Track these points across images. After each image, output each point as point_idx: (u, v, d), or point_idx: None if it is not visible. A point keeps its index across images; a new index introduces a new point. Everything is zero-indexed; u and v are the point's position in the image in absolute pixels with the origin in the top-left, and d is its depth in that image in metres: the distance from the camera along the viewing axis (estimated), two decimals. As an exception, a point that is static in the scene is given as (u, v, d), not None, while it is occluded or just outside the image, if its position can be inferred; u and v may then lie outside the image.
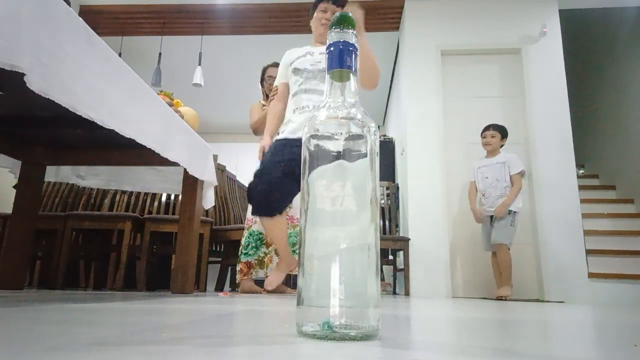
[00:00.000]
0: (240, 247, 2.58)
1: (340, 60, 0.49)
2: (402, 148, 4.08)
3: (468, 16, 3.96)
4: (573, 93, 3.88)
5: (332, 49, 0.50)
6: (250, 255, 2.54)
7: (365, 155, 0.46)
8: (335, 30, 0.50)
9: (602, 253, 3.52)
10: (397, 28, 4.44)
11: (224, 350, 0.37)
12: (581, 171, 4.96)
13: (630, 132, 4.29)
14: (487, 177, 3.21)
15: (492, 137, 3.23)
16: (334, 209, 0.45)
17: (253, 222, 2.57)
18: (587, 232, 3.51)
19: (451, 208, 3.66)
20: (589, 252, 3.44)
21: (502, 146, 3.25)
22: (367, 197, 0.46)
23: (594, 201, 4.20)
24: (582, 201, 3.62)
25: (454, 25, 3.96)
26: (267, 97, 2.85)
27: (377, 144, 0.48)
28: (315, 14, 2.34)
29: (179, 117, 1.78)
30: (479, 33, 3.92)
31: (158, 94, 1.69)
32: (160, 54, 4.49)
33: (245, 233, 2.60)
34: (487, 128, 3.28)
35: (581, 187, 3.74)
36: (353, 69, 0.50)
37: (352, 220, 0.45)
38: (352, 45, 0.50)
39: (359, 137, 0.46)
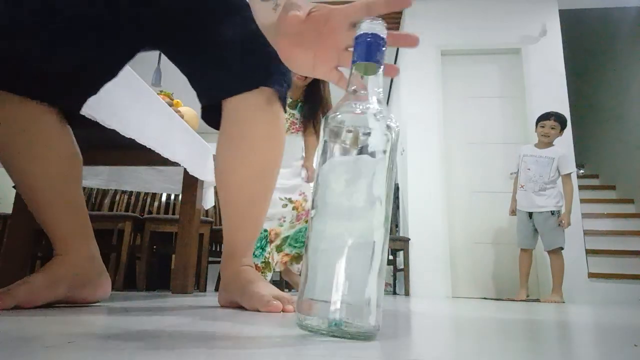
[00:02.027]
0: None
1: (368, 53, 0.49)
2: (402, 148, 4.08)
3: (468, 16, 3.96)
4: (573, 93, 3.88)
5: (359, 40, 0.49)
6: (256, 257, 2.33)
7: (383, 153, 0.46)
8: (366, 20, 0.49)
9: (602, 253, 3.52)
10: (397, 28, 4.44)
11: (224, 350, 0.37)
12: (581, 171, 4.96)
13: (630, 132, 4.29)
14: (529, 169, 3.01)
15: (553, 128, 2.99)
16: (345, 204, 0.44)
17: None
18: (587, 232, 3.51)
19: (451, 208, 3.66)
20: (589, 252, 3.44)
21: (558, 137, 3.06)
22: (381, 195, 0.45)
23: (594, 201, 4.20)
24: (582, 201, 3.62)
25: (454, 25, 3.96)
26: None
27: (398, 142, 0.47)
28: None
29: (179, 117, 1.78)
30: (479, 33, 3.92)
31: (158, 94, 1.70)
32: (160, 54, 4.49)
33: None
34: (547, 117, 3.03)
35: (581, 187, 3.74)
36: (380, 62, 0.49)
37: (362, 217, 0.44)
38: (382, 38, 0.49)
39: (380, 133, 0.46)
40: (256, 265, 2.34)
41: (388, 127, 0.46)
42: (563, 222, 2.89)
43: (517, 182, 3.14)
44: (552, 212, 2.92)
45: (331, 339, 0.42)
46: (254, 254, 2.32)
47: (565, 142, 3.60)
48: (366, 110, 0.46)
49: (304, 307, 0.44)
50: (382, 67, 0.49)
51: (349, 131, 0.46)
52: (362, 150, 0.45)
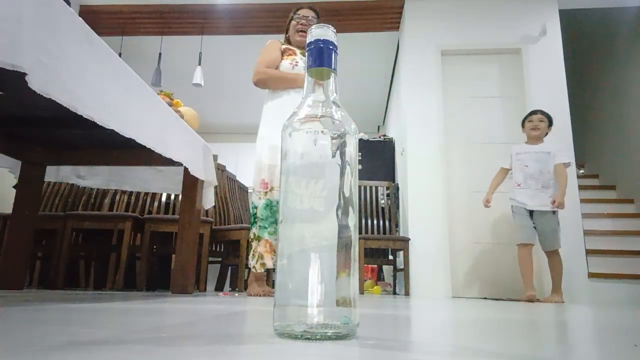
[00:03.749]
0: (254, 229, 2.12)
1: (320, 58, 0.49)
2: (402, 148, 4.08)
3: (468, 16, 3.96)
4: (573, 93, 3.88)
5: (312, 47, 0.50)
6: (270, 234, 2.06)
7: (343, 155, 0.46)
8: (316, 28, 0.50)
9: (602, 253, 3.52)
10: (397, 28, 4.44)
11: (224, 350, 0.37)
12: (581, 171, 4.96)
13: (630, 132, 4.29)
14: (527, 166, 2.94)
15: (541, 121, 2.98)
16: (306, 207, 0.45)
17: (269, 189, 2.12)
18: (587, 232, 3.51)
19: (451, 208, 3.66)
20: (589, 252, 3.44)
21: (546, 134, 3.02)
22: (342, 196, 0.45)
23: (594, 201, 4.20)
24: (582, 201, 3.62)
25: (454, 25, 3.96)
26: (288, 41, 2.43)
27: (356, 144, 0.48)
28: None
29: (179, 117, 1.78)
30: (479, 33, 3.92)
31: (158, 94, 1.69)
32: (160, 54, 4.49)
33: (262, 202, 2.13)
34: (533, 113, 3.05)
35: (581, 187, 3.74)
36: (333, 67, 0.50)
37: (327, 219, 0.45)
38: (332, 43, 0.50)
39: (337, 136, 0.46)
40: (268, 242, 2.08)
41: (343, 129, 0.47)
42: (556, 203, 2.80)
43: (497, 180, 3.08)
44: (554, 212, 2.88)
45: (328, 341, 0.42)
46: (265, 229, 2.09)
47: (565, 142, 3.60)
48: (322, 114, 0.47)
49: (279, 313, 0.44)
50: (335, 71, 0.50)
51: (307, 136, 0.46)
52: (319, 154, 0.46)
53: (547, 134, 3.03)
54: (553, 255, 2.88)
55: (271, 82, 2.22)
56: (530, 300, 2.75)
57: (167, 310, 0.83)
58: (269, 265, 2.07)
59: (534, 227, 2.94)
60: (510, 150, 3.11)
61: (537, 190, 2.90)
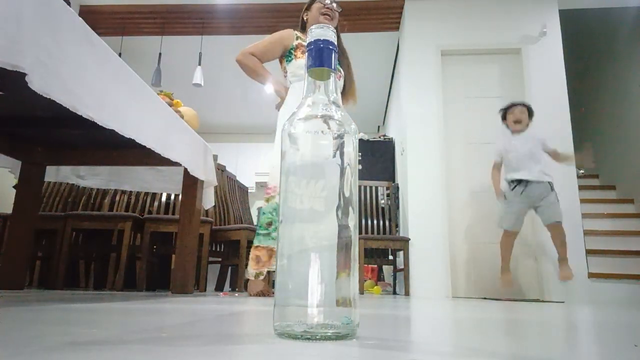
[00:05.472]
0: (257, 229, 2.11)
1: (320, 58, 0.49)
2: (402, 148, 4.08)
3: (468, 16, 3.97)
4: (573, 93, 3.88)
5: (312, 47, 0.50)
6: (273, 239, 2.01)
7: (342, 155, 0.46)
8: (316, 28, 0.50)
9: (602, 253, 3.52)
10: (397, 28, 4.44)
11: (224, 350, 0.37)
12: (581, 171, 4.96)
13: (630, 132, 4.29)
14: (520, 149, 2.96)
15: (522, 113, 2.99)
16: (306, 207, 0.45)
17: (277, 193, 2.06)
18: (587, 232, 3.51)
19: (451, 208, 3.66)
20: (589, 252, 3.44)
21: (527, 126, 3.02)
22: (343, 196, 0.45)
23: (594, 201, 4.20)
24: (582, 201, 3.62)
25: (454, 25, 3.96)
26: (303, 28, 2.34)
27: (356, 144, 0.48)
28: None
29: (179, 117, 1.78)
30: (479, 33, 3.92)
31: (158, 94, 1.70)
32: (160, 54, 4.49)
33: (265, 206, 2.10)
34: (514, 104, 3.03)
35: (581, 187, 3.74)
36: (333, 67, 0.50)
37: (327, 219, 0.45)
38: (332, 43, 0.50)
39: (337, 136, 0.46)
40: (270, 249, 2.03)
41: (343, 131, 0.47)
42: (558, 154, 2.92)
43: (496, 176, 3.09)
44: (551, 187, 2.88)
45: (327, 341, 0.42)
46: (268, 233, 2.05)
47: (565, 142, 3.60)
48: (323, 114, 0.47)
49: (279, 313, 0.44)
50: (335, 71, 0.50)
51: (307, 136, 0.46)
52: (319, 154, 0.46)
53: (527, 125, 3.04)
54: (555, 229, 2.87)
55: (243, 67, 2.22)
56: (508, 284, 2.93)
57: (167, 310, 0.83)
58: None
59: (527, 207, 2.96)
60: (498, 146, 3.14)
61: (533, 165, 2.93)
